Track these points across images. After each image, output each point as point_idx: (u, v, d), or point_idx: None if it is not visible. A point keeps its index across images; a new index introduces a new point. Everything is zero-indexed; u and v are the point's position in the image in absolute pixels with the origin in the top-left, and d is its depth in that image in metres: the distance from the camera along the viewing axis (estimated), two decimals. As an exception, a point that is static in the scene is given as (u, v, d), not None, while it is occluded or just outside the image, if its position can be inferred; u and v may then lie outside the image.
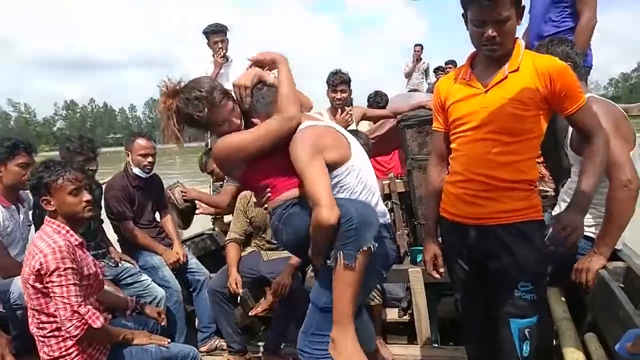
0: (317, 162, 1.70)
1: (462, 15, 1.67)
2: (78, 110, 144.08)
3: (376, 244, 1.69)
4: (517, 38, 1.70)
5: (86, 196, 2.02)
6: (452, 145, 1.80)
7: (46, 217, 1.99)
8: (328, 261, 1.70)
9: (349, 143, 1.86)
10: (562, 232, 1.67)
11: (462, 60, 1.86)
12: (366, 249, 1.64)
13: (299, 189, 1.83)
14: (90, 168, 2.76)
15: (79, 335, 1.81)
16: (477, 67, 1.74)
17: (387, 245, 1.87)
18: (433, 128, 1.94)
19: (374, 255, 1.70)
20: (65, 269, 1.81)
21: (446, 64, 8.55)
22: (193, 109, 1.84)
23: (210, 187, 4.28)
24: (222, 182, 4.09)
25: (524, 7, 1.62)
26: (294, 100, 1.83)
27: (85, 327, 1.81)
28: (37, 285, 1.82)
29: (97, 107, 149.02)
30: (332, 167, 1.76)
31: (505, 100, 1.63)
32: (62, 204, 1.96)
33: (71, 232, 1.96)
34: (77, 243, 1.96)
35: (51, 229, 1.94)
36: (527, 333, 1.70)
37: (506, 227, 1.69)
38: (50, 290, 1.81)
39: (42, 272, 1.80)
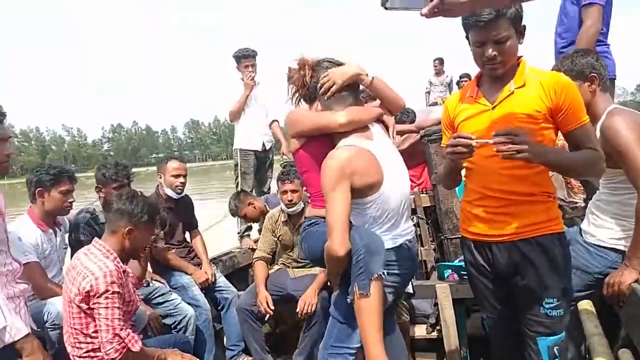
0: (340, 190, 1.74)
1: (466, 37, 1.71)
2: (123, 133, 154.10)
3: (385, 272, 1.75)
4: (522, 56, 1.73)
5: (162, 244, 2.17)
6: (465, 164, 1.80)
7: (95, 239, 2.09)
8: (348, 298, 1.77)
9: (381, 171, 1.83)
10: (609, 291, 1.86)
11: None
12: (377, 276, 1.70)
13: (322, 212, 1.88)
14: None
15: (117, 359, 1.87)
16: (483, 85, 1.78)
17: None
18: (442, 145, 1.96)
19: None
20: (112, 293, 1.89)
21: (461, 77, 8.49)
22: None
23: (237, 225, 4.33)
24: (250, 224, 4.18)
25: (524, 26, 1.65)
26: (360, 118, 1.89)
27: (124, 350, 1.88)
28: (83, 305, 1.89)
29: (139, 129, 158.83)
30: (358, 193, 1.80)
31: (514, 114, 1.66)
32: (139, 241, 2.12)
33: (118, 258, 2.03)
34: (123, 269, 2.03)
35: (100, 252, 2.02)
36: (556, 351, 1.69)
37: (528, 241, 1.69)
38: (96, 311, 1.88)
39: (91, 294, 1.87)
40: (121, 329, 1.88)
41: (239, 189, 4.52)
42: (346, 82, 1.88)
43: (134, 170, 3.21)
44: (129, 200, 2.10)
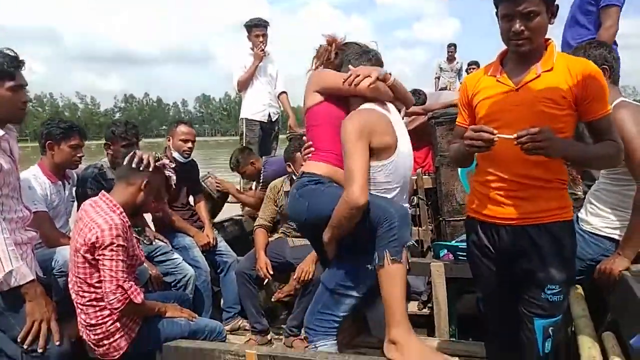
0: (362, 144, 1.79)
1: (495, 13, 1.68)
2: (135, 104, 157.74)
3: (414, 242, 1.80)
4: (550, 39, 1.69)
5: (164, 204, 2.22)
6: None
7: (102, 192, 2.13)
8: (370, 265, 1.79)
9: (396, 137, 1.91)
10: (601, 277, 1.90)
11: (486, 61, 1.88)
12: (408, 245, 1.74)
13: (331, 169, 1.94)
14: None
15: (120, 309, 1.94)
16: (508, 65, 1.73)
17: None
18: (457, 123, 1.94)
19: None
20: (117, 245, 1.94)
21: (469, 65, 8.43)
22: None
23: (240, 184, 4.38)
24: (251, 183, 4.22)
25: (557, 6, 1.61)
26: (383, 91, 1.96)
27: (127, 301, 1.94)
28: (88, 256, 1.95)
29: (151, 100, 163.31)
30: (375, 154, 1.84)
31: (538, 98, 1.62)
32: (147, 195, 2.16)
33: (124, 213, 2.08)
34: (128, 224, 2.08)
35: (107, 206, 2.06)
36: (550, 331, 1.72)
37: (539, 227, 1.68)
38: (100, 262, 1.93)
39: (96, 245, 1.92)
40: (124, 281, 1.94)
41: None
42: (379, 77, 1.92)
43: (144, 140, 3.25)
44: (129, 157, 2.15)
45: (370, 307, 2.15)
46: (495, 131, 1.55)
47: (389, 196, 1.90)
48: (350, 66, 1.99)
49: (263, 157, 4.23)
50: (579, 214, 2.24)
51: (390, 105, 2.01)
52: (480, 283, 1.92)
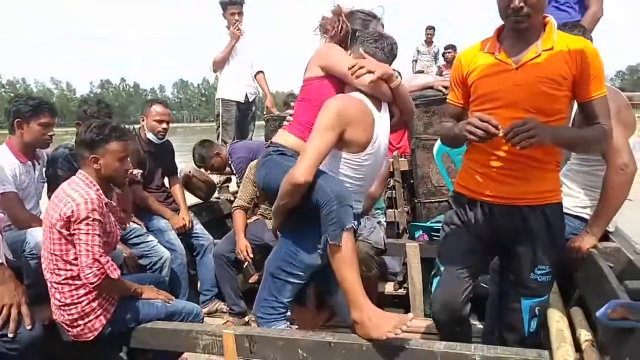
0: (332, 133, 1.75)
1: None
2: (112, 89, 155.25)
3: (356, 223, 1.78)
4: (548, 16, 1.66)
5: (129, 165, 2.15)
6: None
7: (79, 170, 2.08)
8: (320, 249, 1.80)
9: (372, 136, 1.85)
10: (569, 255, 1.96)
11: (461, 45, 1.86)
12: (349, 227, 1.70)
13: (299, 142, 1.93)
14: None
15: (96, 284, 1.90)
16: (505, 42, 1.68)
17: None
18: (448, 100, 1.90)
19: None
20: (93, 219, 1.90)
21: (446, 48, 8.47)
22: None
23: (217, 175, 4.27)
24: (221, 176, 4.15)
25: None
26: (382, 91, 1.89)
27: (103, 276, 1.91)
28: (63, 231, 1.90)
29: (127, 86, 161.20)
30: (344, 145, 1.81)
31: (539, 78, 1.59)
32: (108, 167, 2.07)
33: (100, 190, 2.04)
34: (105, 201, 2.04)
35: (83, 182, 2.02)
36: (537, 310, 1.75)
37: (533, 208, 1.69)
38: (76, 236, 1.89)
39: (72, 219, 1.88)
40: (101, 255, 1.91)
41: (219, 139, 4.52)
42: (383, 76, 1.85)
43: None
44: (84, 130, 2.08)
45: (329, 292, 2.14)
46: (500, 125, 1.52)
47: (349, 187, 1.86)
48: (361, 50, 1.92)
49: (228, 143, 4.17)
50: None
51: (384, 106, 1.95)
52: (451, 257, 1.85)
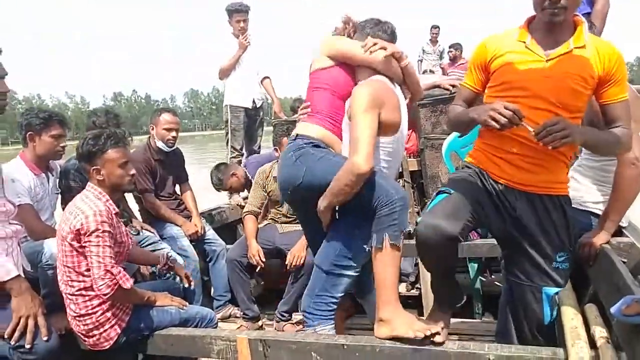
0: (372, 115, 1.77)
1: None
2: (124, 101, 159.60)
3: (410, 228, 1.80)
4: (578, 15, 1.66)
5: (132, 170, 2.17)
6: None
7: (89, 183, 2.11)
8: (366, 246, 1.79)
9: (401, 113, 1.92)
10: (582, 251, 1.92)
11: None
12: (406, 230, 1.75)
13: (325, 133, 1.94)
14: None
15: (109, 295, 1.92)
16: (535, 34, 1.67)
17: None
18: (462, 84, 1.89)
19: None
20: (103, 231, 1.93)
21: (450, 47, 8.42)
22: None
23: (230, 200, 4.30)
24: (239, 195, 4.19)
25: None
26: (395, 69, 1.95)
27: (116, 287, 1.93)
28: (74, 243, 1.93)
29: (139, 97, 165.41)
30: (381, 128, 1.82)
31: (569, 74, 1.60)
32: (111, 175, 2.09)
33: (110, 200, 2.07)
34: (115, 212, 2.07)
35: (93, 194, 2.06)
36: (556, 299, 1.75)
37: (552, 198, 1.71)
38: (87, 249, 1.92)
39: (81, 232, 1.91)
40: (112, 266, 1.93)
41: (229, 146, 4.55)
42: (395, 53, 1.91)
43: (134, 138, 3.21)
44: (80, 144, 2.11)
45: (364, 291, 2.16)
46: (524, 117, 1.51)
47: (385, 172, 1.90)
48: (365, 34, 1.97)
49: (241, 160, 4.17)
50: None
51: (397, 87, 1.99)
52: (461, 187, 1.73)
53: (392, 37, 2.01)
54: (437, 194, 1.73)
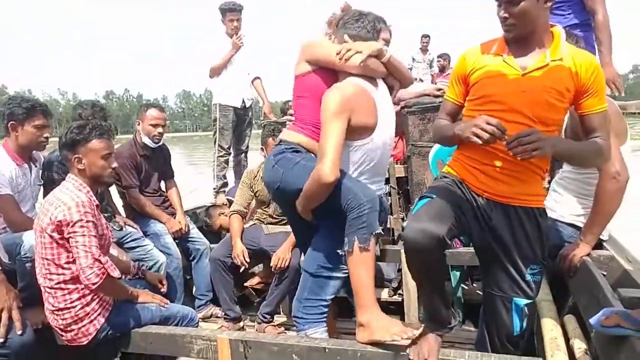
0: (340, 120, 1.77)
1: None
2: (115, 100, 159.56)
3: (381, 230, 1.80)
4: (555, 25, 1.67)
5: (114, 163, 2.14)
6: None
7: (69, 174, 2.07)
8: (339, 251, 1.79)
9: (377, 117, 1.90)
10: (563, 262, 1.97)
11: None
12: (377, 232, 1.75)
13: (308, 141, 1.95)
14: None
15: (98, 284, 1.88)
16: (512, 46, 1.67)
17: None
18: (446, 97, 1.90)
19: None
20: (87, 221, 1.90)
21: (439, 56, 8.48)
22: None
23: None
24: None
25: None
26: (375, 68, 1.92)
27: (104, 276, 1.89)
28: (55, 235, 1.90)
29: (131, 96, 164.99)
30: (352, 132, 1.82)
31: (545, 87, 1.60)
32: (92, 165, 2.06)
33: (91, 192, 2.04)
34: (96, 203, 2.04)
35: (73, 185, 2.02)
36: (526, 310, 1.76)
37: (527, 210, 1.71)
38: (72, 239, 1.88)
39: (64, 223, 1.88)
40: (100, 255, 1.90)
41: (216, 145, 4.52)
42: (372, 53, 1.89)
43: (125, 137, 3.16)
44: (65, 132, 2.08)
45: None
46: (506, 131, 1.52)
47: (360, 178, 1.91)
48: (345, 36, 1.95)
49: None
50: (545, 202, 2.32)
51: (380, 82, 1.99)
52: (443, 192, 1.73)
53: (373, 33, 1.96)
54: (420, 199, 1.73)
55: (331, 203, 1.80)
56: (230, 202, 3.63)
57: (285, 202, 2.06)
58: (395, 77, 2.05)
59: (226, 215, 3.65)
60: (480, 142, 1.55)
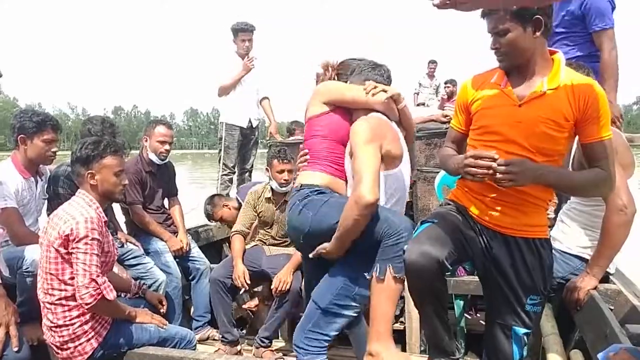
0: (374, 147, 1.78)
1: None
2: (124, 115, 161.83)
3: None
4: (556, 52, 1.66)
5: (125, 180, 2.16)
6: None
7: (80, 190, 2.08)
8: (368, 274, 1.75)
9: (402, 148, 1.95)
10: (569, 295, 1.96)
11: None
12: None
13: (330, 179, 1.96)
14: None
15: (91, 304, 1.87)
16: (510, 75, 1.68)
17: None
18: (451, 125, 1.90)
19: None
20: (92, 239, 1.89)
21: (446, 83, 8.56)
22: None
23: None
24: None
25: (539, 19, 1.55)
26: (392, 109, 1.99)
27: (99, 297, 1.88)
28: (61, 249, 1.89)
29: (139, 112, 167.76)
30: (383, 161, 1.82)
31: (541, 118, 1.58)
32: (105, 182, 2.07)
33: (100, 209, 2.04)
34: (104, 220, 2.04)
35: (83, 201, 2.03)
36: (525, 338, 1.73)
37: (527, 241, 1.69)
38: (74, 255, 1.87)
39: (70, 238, 1.87)
40: (98, 276, 1.89)
41: (220, 163, 4.53)
42: (393, 96, 1.97)
43: (132, 152, 3.18)
44: (79, 147, 2.09)
45: (352, 323, 2.09)
46: (497, 155, 1.51)
47: (387, 206, 1.89)
48: (362, 78, 2.03)
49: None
50: (551, 233, 2.29)
51: (394, 124, 2.02)
52: (445, 218, 1.73)
53: (388, 81, 2.07)
54: (421, 223, 1.72)
55: (366, 233, 1.74)
56: (239, 202, 3.64)
57: (314, 248, 1.94)
58: (403, 126, 2.08)
59: (229, 208, 3.67)
60: (471, 178, 1.58)
